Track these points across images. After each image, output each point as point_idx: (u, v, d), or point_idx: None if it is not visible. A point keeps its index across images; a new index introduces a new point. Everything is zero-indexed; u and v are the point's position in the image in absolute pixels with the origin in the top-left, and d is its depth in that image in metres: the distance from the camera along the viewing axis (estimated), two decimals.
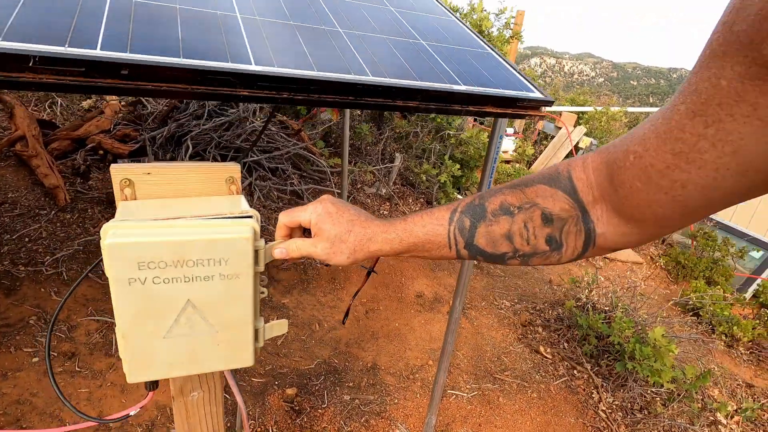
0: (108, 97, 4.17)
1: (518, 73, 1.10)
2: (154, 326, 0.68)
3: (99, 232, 2.85)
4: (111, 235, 0.61)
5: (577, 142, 7.57)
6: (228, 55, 0.73)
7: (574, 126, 7.83)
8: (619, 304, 2.99)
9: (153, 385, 0.88)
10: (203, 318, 0.72)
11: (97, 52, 0.63)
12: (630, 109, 8.53)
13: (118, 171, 0.77)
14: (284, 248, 0.67)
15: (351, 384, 2.41)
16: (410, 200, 4.70)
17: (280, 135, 3.73)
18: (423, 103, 0.90)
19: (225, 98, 0.71)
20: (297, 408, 2.17)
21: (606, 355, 2.92)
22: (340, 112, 4.90)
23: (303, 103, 0.77)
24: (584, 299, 3.13)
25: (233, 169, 0.84)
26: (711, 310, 3.98)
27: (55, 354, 2.00)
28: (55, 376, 1.93)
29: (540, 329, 3.27)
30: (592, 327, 2.90)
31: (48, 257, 2.48)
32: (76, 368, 1.99)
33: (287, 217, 0.64)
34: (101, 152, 3.64)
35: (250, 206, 0.78)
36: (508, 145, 7.63)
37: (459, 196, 5.46)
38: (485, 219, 0.52)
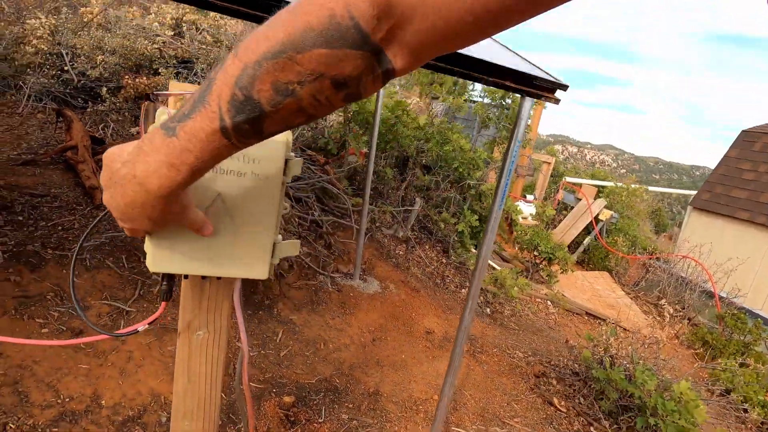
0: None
1: (532, 64, 1.22)
2: None
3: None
4: (161, 117, 0.69)
5: (597, 214, 7.58)
6: None
7: (594, 199, 7.91)
8: (641, 361, 2.83)
9: (167, 294, 0.91)
10: (230, 216, 0.75)
11: None
12: (651, 188, 8.61)
13: (176, 86, 0.88)
14: None
15: (350, 405, 2.29)
16: (427, 246, 4.72)
17: (307, 165, 3.93)
18: (449, 65, 1.01)
19: None
20: (292, 418, 2.06)
21: (626, 413, 2.70)
22: (366, 155, 5.15)
23: None
24: (602, 352, 2.97)
25: None
26: (743, 390, 3.67)
27: (64, 329, 2.02)
28: (60, 350, 1.93)
29: (554, 381, 3.08)
30: (611, 381, 2.73)
31: (76, 245, 2.58)
32: (81, 345, 1.99)
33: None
34: None
35: None
36: (529, 210, 7.70)
37: (474, 250, 5.44)
38: (265, 115, 0.40)
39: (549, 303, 5.37)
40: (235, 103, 0.39)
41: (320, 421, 2.11)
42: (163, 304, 0.91)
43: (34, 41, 5.65)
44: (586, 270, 7.57)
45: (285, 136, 0.67)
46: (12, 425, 1.59)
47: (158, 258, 0.72)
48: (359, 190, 4.76)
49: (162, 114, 0.68)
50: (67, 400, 1.75)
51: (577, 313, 5.63)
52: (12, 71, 5.70)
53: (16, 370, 1.77)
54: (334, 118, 4.98)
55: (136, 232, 0.53)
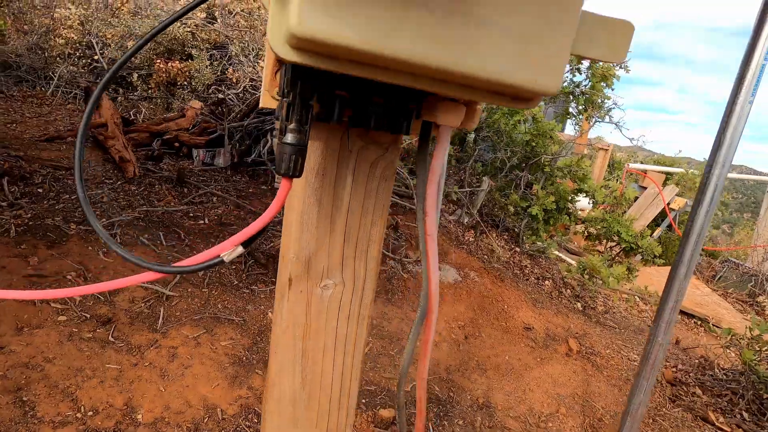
0: (191, 102, 4.12)
1: None
2: None
3: (162, 205, 2.50)
4: None
5: (669, 202, 6.78)
6: None
7: (663, 186, 7.10)
8: None
9: (295, 167, 0.42)
10: None
11: None
12: (730, 176, 7.72)
13: None
14: None
15: (461, 421, 1.70)
16: (494, 234, 4.10)
17: None
18: None
19: None
20: None
21: None
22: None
23: None
24: (765, 352, 2.28)
25: None
26: None
27: (87, 316, 1.51)
28: (82, 343, 1.42)
29: (698, 390, 2.40)
30: None
31: (104, 220, 2.11)
32: (110, 338, 1.47)
33: None
34: (176, 144, 3.45)
35: None
36: (583, 204, 6.94)
37: (556, 252, 4.73)
38: None
39: (637, 299, 4.64)
40: None
41: None
42: (286, 183, 0.41)
43: (64, 31, 5.40)
44: (658, 266, 6.74)
45: None
46: None
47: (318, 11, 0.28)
48: (412, 173, 4.19)
49: None
50: (90, 413, 1.22)
51: None
52: (42, 63, 5.44)
53: (20, 371, 1.26)
54: None
55: None
